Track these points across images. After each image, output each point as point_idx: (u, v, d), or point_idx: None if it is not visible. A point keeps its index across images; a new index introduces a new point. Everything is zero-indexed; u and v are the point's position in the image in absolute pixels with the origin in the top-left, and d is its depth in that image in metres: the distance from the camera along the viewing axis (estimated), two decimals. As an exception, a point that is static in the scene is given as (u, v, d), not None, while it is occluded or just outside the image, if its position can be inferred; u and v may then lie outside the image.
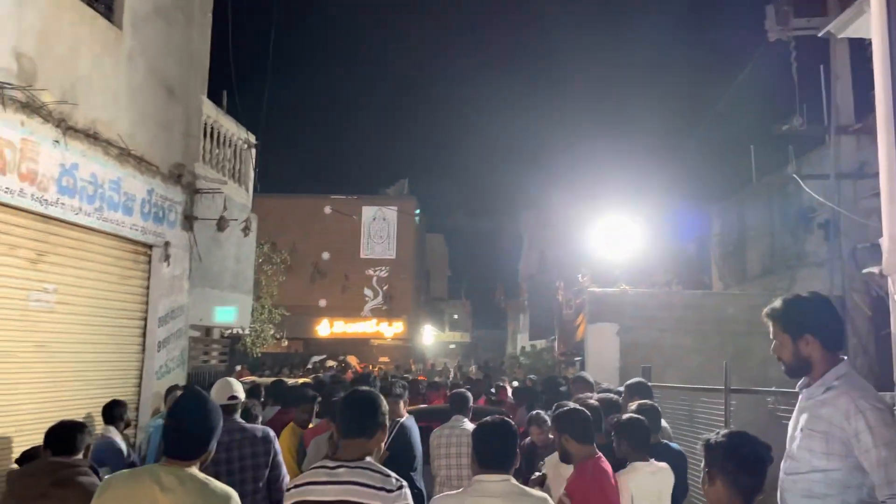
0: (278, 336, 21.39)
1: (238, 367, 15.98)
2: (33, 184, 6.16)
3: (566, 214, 33.92)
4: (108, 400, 6.23)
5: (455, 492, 2.91)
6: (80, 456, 3.66)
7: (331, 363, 23.71)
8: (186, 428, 2.73)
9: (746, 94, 13.85)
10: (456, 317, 62.00)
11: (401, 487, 2.65)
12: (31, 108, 6.15)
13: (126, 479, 2.67)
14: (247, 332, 18.46)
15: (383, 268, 28.44)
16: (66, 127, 6.58)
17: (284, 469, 4.46)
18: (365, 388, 3.09)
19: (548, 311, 31.60)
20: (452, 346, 59.61)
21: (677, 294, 9.79)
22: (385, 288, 28.36)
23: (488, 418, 2.98)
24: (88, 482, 3.42)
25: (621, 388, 6.54)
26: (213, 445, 2.82)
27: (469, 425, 5.40)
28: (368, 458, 2.74)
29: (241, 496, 4.19)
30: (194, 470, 2.73)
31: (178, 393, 6.40)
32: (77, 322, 7.03)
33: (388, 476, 2.68)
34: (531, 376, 19.72)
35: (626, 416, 3.64)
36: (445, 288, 45.78)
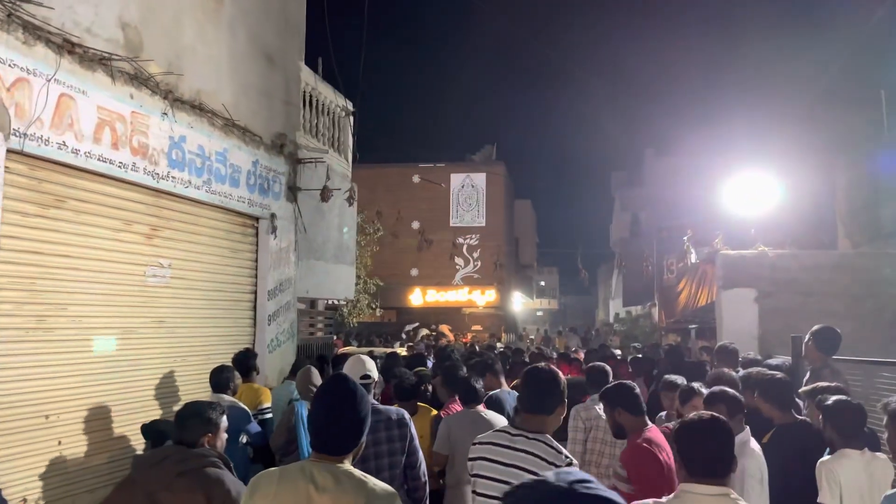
0: (374, 306, 21.52)
1: (334, 337, 16.09)
2: (145, 157, 6.05)
3: (668, 169, 32.50)
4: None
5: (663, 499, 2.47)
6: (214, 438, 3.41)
7: (424, 332, 23.75)
8: (338, 420, 2.39)
9: (878, 35, 12.48)
10: (543, 283, 61.38)
11: (570, 464, 2.84)
12: (139, 79, 6.01)
13: (276, 478, 2.37)
14: (344, 302, 18.66)
15: (473, 235, 28.08)
16: (173, 98, 6.44)
17: (421, 454, 4.12)
18: (545, 365, 3.19)
19: (644, 275, 30.54)
20: (540, 314, 59.13)
21: (824, 254, 8.84)
22: (476, 255, 28.03)
23: (695, 415, 2.53)
24: (215, 475, 3.17)
25: (774, 360, 5.92)
26: (365, 437, 2.49)
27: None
28: (545, 429, 2.99)
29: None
30: (349, 465, 2.41)
31: (308, 367, 6.25)
32: (192, 297, 6.98)
33: (560, 452, 2.89)
34: (635, 345, 19.02)
35: (835, 398, 3.08)
36: (534, 254, 45.11)
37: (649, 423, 3.90)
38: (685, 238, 19.04)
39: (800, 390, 4.08)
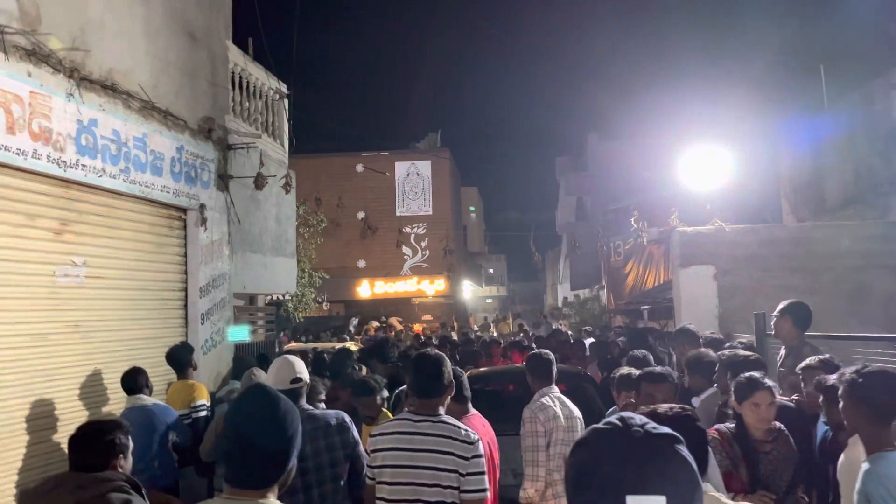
0: (320, 300, 20.86)
1: (281, 334, 15.43)
2: (48, 143, 5.39)
3: (611, 153, 32.66)
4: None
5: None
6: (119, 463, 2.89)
7: (374, 324, 23.21)
8: (256, 447, 1.89)
9: (818, 5, 12.52)
10: (492, 271, 61.45)
11: (478, 441, 2.98)
12: (38, 56, 5.34)
13: None
14: (288, 297, 17.96)
15: (420, 224, 27.59)
16: (80, 77, 5.77)
17: (366, 459, 3.66)
18: (431, 351, 3.32)
19: (590, 259, 30.65)
20: (489, 301, 59.20)
21: (781, 227, 8.68)
22: (423, 245, 27.58)
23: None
24: (121, 501, 2.64)
25: (739, 341, 5.67)
26: (294, 461, 1.99)
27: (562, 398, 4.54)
28: (442, 411, 3.11)
29: (321, 500, 3.45)
30: (273, 500, 1.92)
31: (252, 368, 5.73)
32: (113, 297, 6.34)
33: (461, 428, 3.00)
34: (586, 328, 18.94)
35: (867, 371, 2.66)
36: (482, 242, 44.94)
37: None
38: (632, 219, 19.01)
39: (798, 368, 3.76)
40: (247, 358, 6.85)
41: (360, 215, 27.32)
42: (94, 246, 6.08)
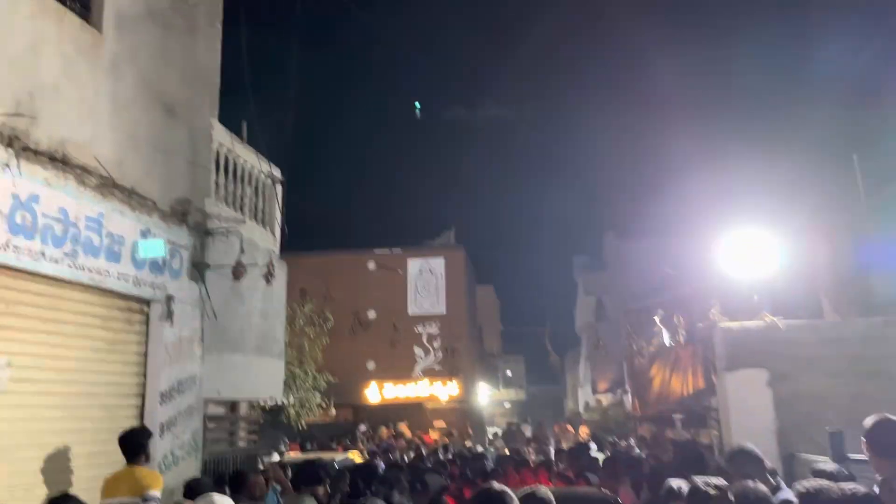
0: (325, 405, 19.56)
1: (285, 444, 14.08)
2: (-31, 220, 4.54)
3: (630, 251, 31.83)
4: None
5: None
6: None
7: (386, 433, 21.70)
8: None
9: (852, 94, 11.85)
10: (510, 373, 59.45)
11: None
12: (-32, 120, 4.58)
13: None
14: (285, 402, 16.70)
15: (433, 324, 26.47)
16: (21, 147, 4.99)
17: None
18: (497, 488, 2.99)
19: (612, 361, 29.17)
20: (507, 405, 56.87)
21: (848, 324, 7.50)
22: (436, 345, 26.33)
23: None
24: None
25: (824, 465, 4.45)
26: None
27: None
28: None
29: None
30: None
31: (209, 496, 4.64)
32: (46, 405, 5.32)
33: None
34: (610, 438, 17.39)
35: None
36: (498, 343, 43.54)
37: None
38: (656, 318, 17.84)
39: None
40: (204, 481, 5.69)
41: (371, 314, 26.30)
42: (25, 342, 5.11)
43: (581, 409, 36.56)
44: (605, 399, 31.70)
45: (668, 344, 15.36)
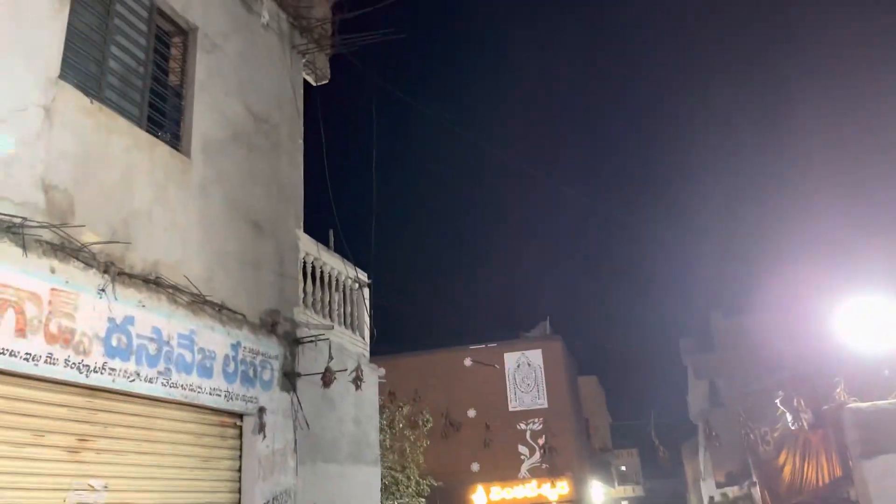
0: (430, 511, 18.90)
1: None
2: (68, 346, 4.72)
3: (740, 329, 30.15)
4: None
5: None
6: None
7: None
8: None
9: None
10: (624, 468, 56.15)
11: None
12: (66, 250, 4.85)
13: None
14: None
15: (536, 420, 25.51)
16: (117, 272, 5.23)
17: None
18: None
19: (733, 450, 26.98)
20: (625, 503, 53.38)
21: None
22: (541, 442, 25.27)
23: None
24: None
25: None
26: None
27: None
28: None
29: None
30: None
31: None
32: (142, 528, 5.28)
33: None
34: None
35: None
36: (608, 436, 41.45)
37: None
38: (777, 401, 16.53)
39: None
40: None
41: (471, 413, 25.70)
42: (121, 465, 5.16)
43: (706, 504, 33.79)
44: (732, 492, 29.26)
45: (791, 427, 14.11)
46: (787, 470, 16.89)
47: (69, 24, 5.21)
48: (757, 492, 21.97)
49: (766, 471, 19.47)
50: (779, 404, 15.74)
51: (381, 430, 14.54)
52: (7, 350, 4.30)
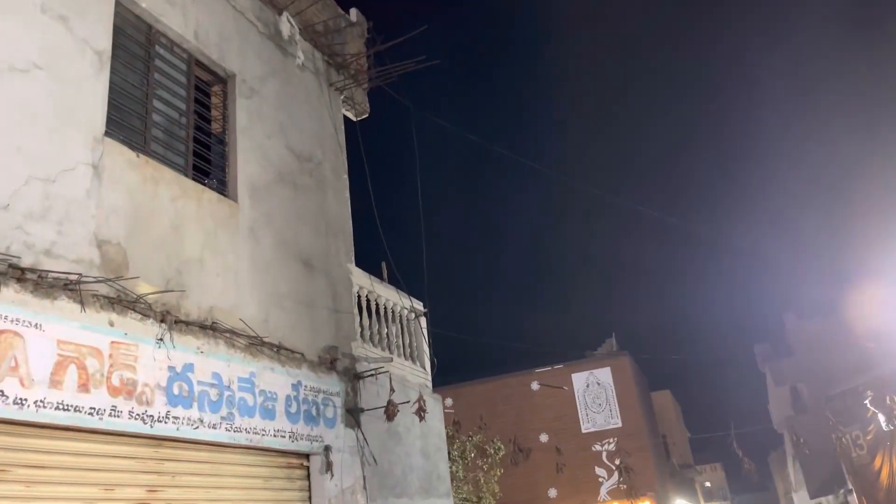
0: (509, 541, 18.47)
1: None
2: (131, 397, 4.75)
3: (816, 329, 28.90)
4: None
5: None
6: None
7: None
8: None
9: None
10: (709, 484, 54.00)
11: None
12: (123, 303, 4.91)
13: None
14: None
15: (611, 440, 24.80)
16: (174, 320, 5.26)
17: None
18: None
19: (824, 457, 25.59)
20: (714, 521, 51.18)
21: None
22: (618, 462, 24.50)
23: None
24: None
25: None
26: None
27: None
28: None
29: None
30: None
31: None
32: (217, 577, 5.22)
33: None
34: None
35: None
36: (688, 451, 39.97)
37: None
38: (867, 402, 15.63)
39: None
40: None
41: (544, 438, 25.17)
42: (191, 513, 5.13)
43: (800, 516, 32.12)
44: (828, 501, 27.78)
45: (885, 428, 13.30)
46: (885, 473, 15.87)
47: (111, 82, 5.35)
48: (854, 499, 20.77)
49: (862, 476, 18.39)
50: (869, 405, 14.89)
51: (453, 460, 14.33)
52: (72, 406, 4.35)
